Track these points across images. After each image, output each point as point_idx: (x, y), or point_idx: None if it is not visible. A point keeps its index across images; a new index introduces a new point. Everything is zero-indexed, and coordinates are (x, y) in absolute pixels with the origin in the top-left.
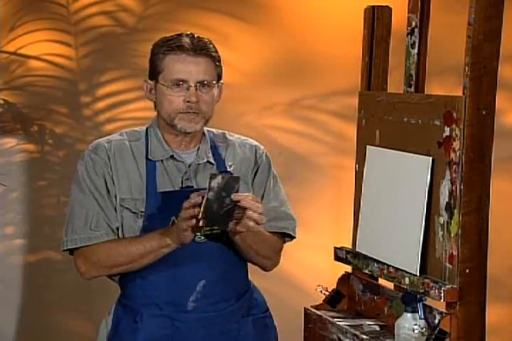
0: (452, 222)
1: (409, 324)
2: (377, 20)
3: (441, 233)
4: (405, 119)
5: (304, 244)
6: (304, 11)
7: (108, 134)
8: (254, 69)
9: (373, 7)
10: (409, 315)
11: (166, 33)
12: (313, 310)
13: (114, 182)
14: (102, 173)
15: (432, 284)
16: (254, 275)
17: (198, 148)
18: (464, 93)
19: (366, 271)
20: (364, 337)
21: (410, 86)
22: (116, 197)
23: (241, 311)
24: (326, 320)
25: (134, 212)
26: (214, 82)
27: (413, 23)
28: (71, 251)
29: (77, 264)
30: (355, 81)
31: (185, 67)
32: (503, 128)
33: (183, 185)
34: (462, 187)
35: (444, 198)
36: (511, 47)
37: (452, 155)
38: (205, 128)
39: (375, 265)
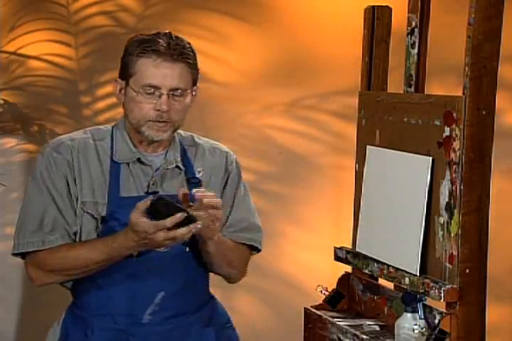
0: (452, 222)
1: (409, 324)
2: (377, 20)
3: (441, 233)
4: (405, 119)
5: (304, 244)
6: (304, 11)
7: None
8: (254, 69)
9: (373, 7)
10: (409, 315)
11: None
12: (313, 310)
13: (76, 184)
14: (64, 173)
15: (432, 284)
16: (253, 275)
17: (167, 151)
18: (464, 93)
19: (366, 271)
20: (364, 337)
21: (410, 86)
22: (77, 199)
23: (200, 322)
24: (326, 320)
25: (95, 217)
26: (188, 90)
27: (413, 23)
28: (23, 255)
29: (27, 270)
30: (355, 81)
31: (159, 73)
32: (503, 128)
33: (149, 190)
34: (462, 187)
35: (444, 198)
36: (511, 47)
37: (452, 155)
38: None
39: (375, 265)
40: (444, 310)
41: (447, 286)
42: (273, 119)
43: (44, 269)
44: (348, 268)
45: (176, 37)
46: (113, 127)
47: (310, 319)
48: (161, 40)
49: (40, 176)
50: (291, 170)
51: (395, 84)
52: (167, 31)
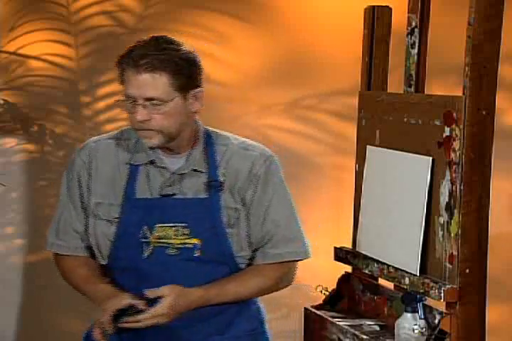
0: (452, 222)
1: (409, 324)
2: (377, 20)
3: (441, 233)
4: (405, 119)
5: None
6: (304, 11)
7: None
8: (254, 69)
9: (373, 7)
10: (409, 315)
11: (166, 33)
12: (313, 310)
13: (90, 186)
14: (78, 177)
15: (431, 284)
16: None
17: (190, 153)
18: (464, 93)
19: (366, 271)
20: (364, 337)
21: (410, 86)
22: (90, 202)
23: (212, 328)
24: (326, 320)
25: (106, 219)
26: (166, 98)
27: (413, 23)
28: None
29: None
30: (355, 81)
31: (134, 83)
32: (503, 128)
33: (163, 193)
34: (462, 187)
35: (444, 198)
36: (511, 47)
37: (452, 155)
38: (210, 129)
39: (375, 265)
40: (444, 310)
41: (447, 286)
42: (273, 119)
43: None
44: (348, 268)
45: (161, 45)
46: None
47: (310, 319)
48: (137, 50)
49: (63, 179)
50: (291, 170)
51: (395, 84)
52: (157, 36)
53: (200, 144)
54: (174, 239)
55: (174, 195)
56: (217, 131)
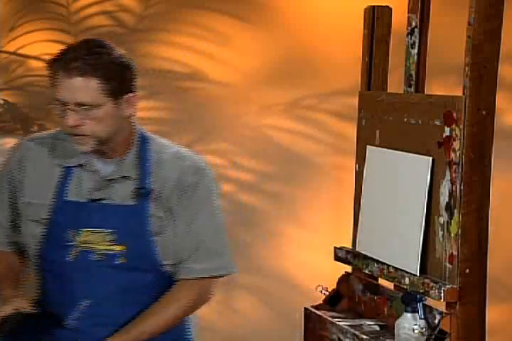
0: (452, 222)
1: (409, 324)
2: (377, 20)
3: (441, 233)
4: (405, 119)
5: (304, 244)
6: (304, 11)
7: None
8: (254, 69)
9: (373, 7)
10: (409, 315)
11: (166, 33)
12: (313, 310)
13: (22, 185)
14: (10, 174)
15: (431, 284)
16: (254, 274)
17: (122, 158)
18: (464, 93)
19: (366, 271)
20: (364, 337)
21: (410, 86)
22: (21, 200)
23: None
24: (326, 320)
25: (34, 220)
26: (97, 103)
27: (413, 23)
28: None
29: None
30: (355, 81)
31: (63, 87)
32: (503, 128)
33: (91, 197)
34: (462, 187)
35: (444, 198)
36: (511, 47)
37: (452, 155)
38: (147, 135)
39: (375, 265)
40: (444, 310)
41: (447, 286)
42: (273, 119)
43: None
44: (348, 268)
45: (96, 46)
46: None
47: (310, 319)
48: (69, 54)
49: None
50: (291, 170)
51: (395, 84)
52: (89, 39)
53: (134, 149)
54: (99, 244)
55: (102, 200)
56: (155, 137)
